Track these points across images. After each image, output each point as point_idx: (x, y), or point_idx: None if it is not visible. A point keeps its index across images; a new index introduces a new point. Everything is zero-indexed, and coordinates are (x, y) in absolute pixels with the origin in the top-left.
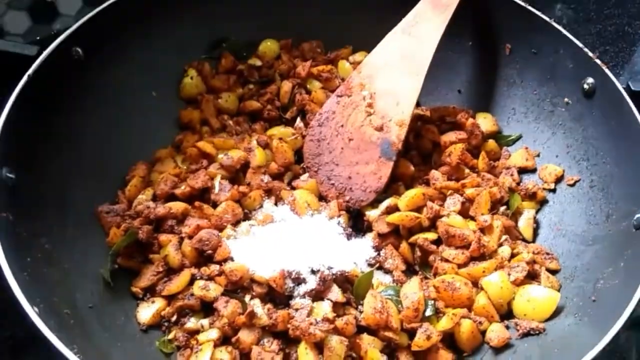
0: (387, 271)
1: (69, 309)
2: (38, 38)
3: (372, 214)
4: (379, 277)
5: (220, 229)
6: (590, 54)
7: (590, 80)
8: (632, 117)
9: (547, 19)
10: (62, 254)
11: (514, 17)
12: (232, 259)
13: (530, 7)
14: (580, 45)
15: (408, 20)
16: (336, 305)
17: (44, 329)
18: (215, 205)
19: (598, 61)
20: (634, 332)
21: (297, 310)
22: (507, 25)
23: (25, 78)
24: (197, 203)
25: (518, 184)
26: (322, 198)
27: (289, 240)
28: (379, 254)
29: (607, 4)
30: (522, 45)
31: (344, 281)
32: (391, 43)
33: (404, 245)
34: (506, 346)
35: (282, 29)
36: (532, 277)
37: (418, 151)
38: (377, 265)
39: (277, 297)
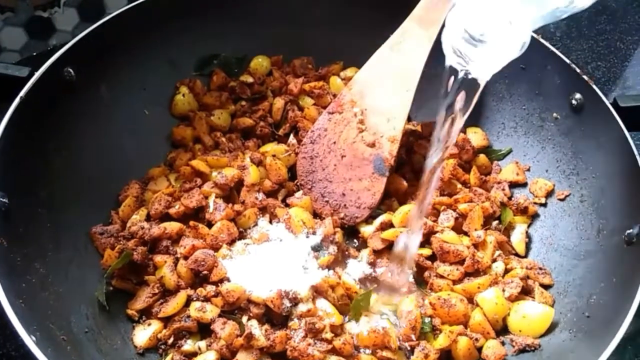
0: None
1: (65, 334)
2: (35, 54)
3: (366, 231)
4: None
5: (216, 248)
6: (578, 69)
7: (578, 95)
8: (620, 133)
9: (534, 34)
10: (56, 278)
11: None
12: (228, 280)
13: None
14: (568, 61)
15: (395, 37)
16: (334, 325)
17: (42, 358)
18: (210, 224)
19: (585, 77)
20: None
21: (294, 330)
22: None
23: (17, 100)
24: (192, 223)
25: (510, 198)
26: (316, 215)
27: (285, 259)
28: (374, 271)
29: (599, 19)
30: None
31: (343, 296)
32: (380, 60)
33: None
34: None
35: (273, 45)
36: (526, 292)
37: (410, 167)
38: (375, 286)
39: (274, 317)
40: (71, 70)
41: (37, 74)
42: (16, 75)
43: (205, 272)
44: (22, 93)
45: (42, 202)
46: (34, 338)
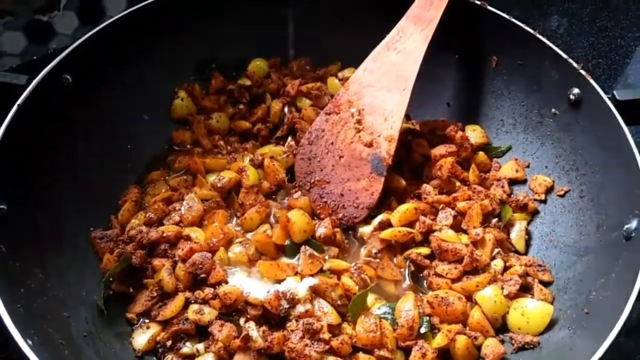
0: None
1: (63, 338)
2: (35, 58)
3: (365, 231)
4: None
5: (213, 251)
6: (575, 64)
7: (575, 90)
8: (618, 127)
9: (531, 30)
10: (56, 283)
11: (498, 30)
12: (226, 282)
13: (514, 20)
14: (565, 56)
15: (392, 36)
16: (332, 325)
17: None
18: None
19: (583, 72)
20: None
21: (292, 331)
22: (493, 37)
23: (15, 108)
24: (185, 234)
25: (509, 195)
26: (315, 215)
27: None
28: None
29: (600, 16)
30: (507, 57)
31: (342, 297)
32: (376, 60)
33: (398, 259)
34: None
35: (270, 48)
36: (525, 289)
37: (409, 165)
38: (371, 285)
39: (272, 318)
40: (69, 77)
41: (35, 82)
42: (14, 83)
43: (203, 274)
44: (19, 101)
45: (42, 207)
46: (30, 342)
